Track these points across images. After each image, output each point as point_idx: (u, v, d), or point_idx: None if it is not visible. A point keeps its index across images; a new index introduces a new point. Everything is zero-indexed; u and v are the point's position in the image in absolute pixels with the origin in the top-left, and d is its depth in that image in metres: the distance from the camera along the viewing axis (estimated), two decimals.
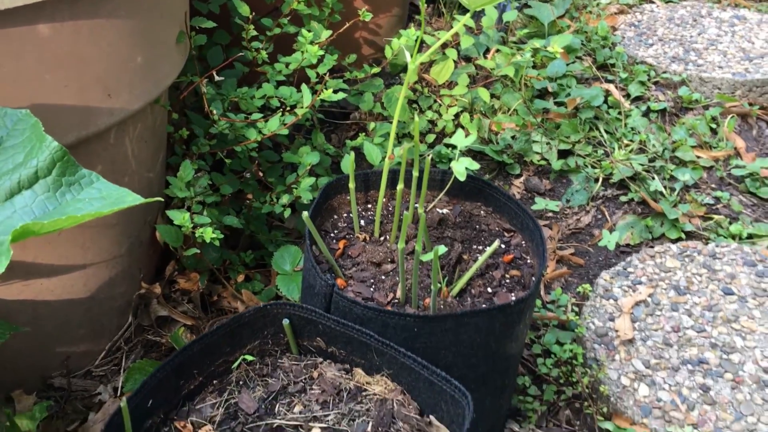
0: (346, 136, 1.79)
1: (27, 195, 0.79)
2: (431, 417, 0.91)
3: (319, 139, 1.58)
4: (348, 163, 1.14)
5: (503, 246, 1.16)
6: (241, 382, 0.96)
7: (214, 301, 1.41)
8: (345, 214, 1.20)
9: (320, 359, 0.99)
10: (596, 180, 1.75)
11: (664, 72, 2.04)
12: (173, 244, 1.28)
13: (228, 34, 1.52)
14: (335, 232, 1.16)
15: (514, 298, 1.03)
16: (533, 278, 1.08)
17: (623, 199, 1.71)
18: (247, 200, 1.46)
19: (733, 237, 1.61)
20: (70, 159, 0.79)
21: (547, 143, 1.80)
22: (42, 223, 0.69)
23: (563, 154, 1.80)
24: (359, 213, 1.20)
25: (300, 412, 0.92)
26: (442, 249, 0.98)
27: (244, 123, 1.35)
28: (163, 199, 1.00)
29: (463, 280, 1.06)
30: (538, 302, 1.47)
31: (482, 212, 1.22)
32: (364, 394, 0.94)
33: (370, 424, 0.90)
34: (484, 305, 1.04)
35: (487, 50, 2.01)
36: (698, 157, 1.81)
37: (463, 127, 1.80)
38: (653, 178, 1.73)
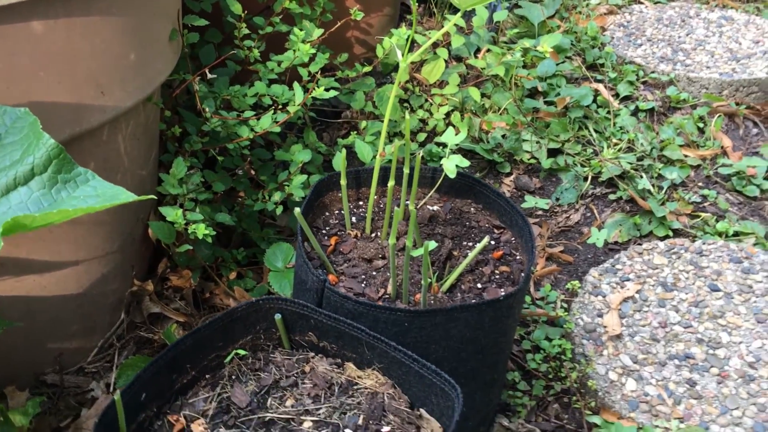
0: (338, 135, 1.80)
1: (23, 191, 0.79)
2: (422, 410, 0.93)
3: (311, 138, 1.59)
4: (340, 161, 1.15)
5: (493, 242, 1.17)
6: (233, 377, 0.97)
7: (207, 298, 1.42)
8: (336, 211, 1.21)
9: (312, 354, 1.00)
10: (585, 178, 1.77)
11: (653, 72, 2.06)
12: (166, 241, 1.29)
13: (220, 33, 1.53)
14: (327, 228, 1.17)
15: (503, 293, 1.05)
16: (522, 274, 1.09)
17: (612, 197, 1.73)
18: (239, 198, 1.47)
19: (720, 234, 1.63)
20: (66, 157, 0.80)
21: (537, 142, 1.82)
22: (33, 217, 0.70)
23: (553, 153, 1.82)
24: (351, 210, 1.21)
25: (292, 406, 0.93)
26: (432, 245, 0.99)
27: (236, 121, 1.36)
28: (156, 197, 1.01)
29: (453, 275, 1.07)
30: (528, 299, 1.48)
31: (472, 209, 1.23)
32: (355, 387, 0.95)
33: (362, 417, 0.91)
34: (473, 300, 1.06)
35: (478, 50, 2.02)
36: (686, 155, 1.83)
37: (454, 126, 1.82)
38: (641, 177, 1.75)
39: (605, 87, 2.01)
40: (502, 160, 1.79)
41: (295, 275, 1.13)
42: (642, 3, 2.48)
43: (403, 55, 1.06)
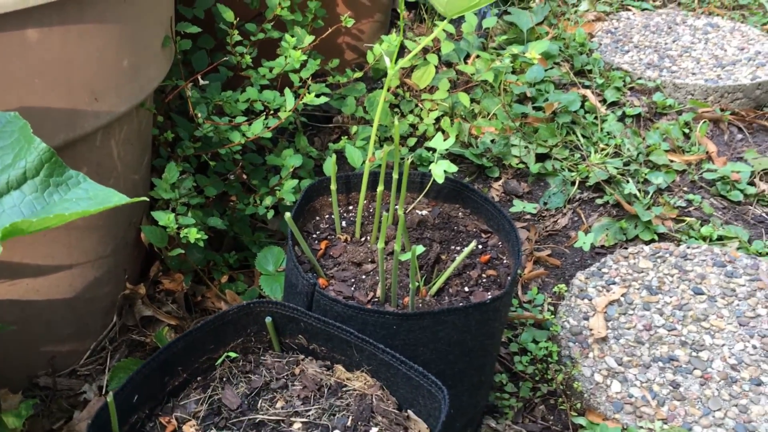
0: (329, 139, 1.82)
1: (15, 195, 0.81)
2: (409, 411, 0.95)
3: (302, 142, 1.61)
4: (330, 166, 1.17)
5: (480, 246, 1.19)
6: (224, 379, 0.99)
7: (198, 301, 1.43)
8: (327, 216, 1.23)
9: (302, 356, 1.02)
10: (573, 183, 1.79)
11: (640, 78, 2.09)
12: (158, 245, 1.30)
13: (212, 39, 1.55)
14: (317, 233, 1.19)
15: (489, 297, 1.07)
16: (509, 278, 1.11)
17: (599, 201, 1.76)
18: (230, 202, 1.49)
19: (704, 239, 1.66)
20: (58, 160, 0.82)
21: (526, 147, 1.84)
22: (30, 221, 0.71)
23: (541, 158, 1.84)
24: (341, 214, 1.23)
25: (282, 408, 0.95)
26: (420, 249, 1.01)
27: (228, 126, 1.37)
28: (148, 200, 1.03)
29: (441, 279, 1.09)
30: (515, 302, 1.51)
31: (460, 214, 1.25)
32: (344, 389, 0.97)
33: (350, 418, 0.93)
34: (461, 304, 1.08)
35: (468, 56, 2.05)
36: (671, 161, 1.86)
37: (443, 131, 1.84)
38: (628, 182, 1.77)
39: (593, 93, 2.04)
40: (491, 165, 1.82)
41: (285, 279, 1.15)
42: (629, 10, 2.51)
43: (392, 61, 1.08)
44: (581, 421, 1.27)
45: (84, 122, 1.06)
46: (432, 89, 1.93)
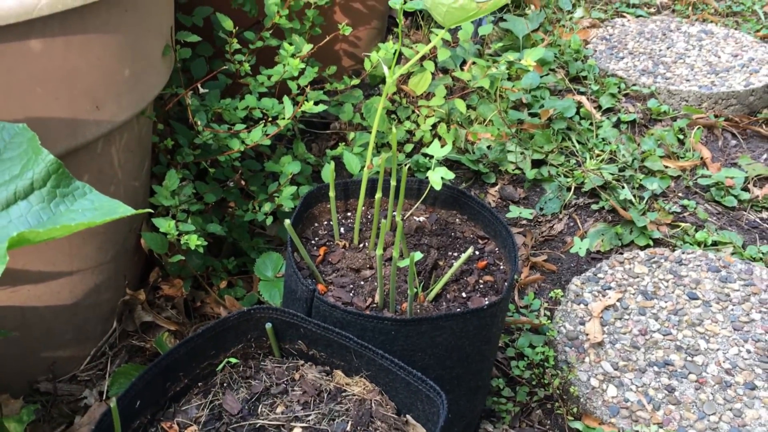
0: (327, 146, 1.83)
1: (23, 205, 0.82)
2: (408, 416, 0.96)
3: (300, 149, 1.62)
4: (328, 173, 1.18)
5: (477, 253, 1.21)
6: (225, 384, 1.00)
7: (198, 306, 1.44)
8: (325, 222, 1.24)
9: (302, 362, 1.03)
10: (568, 189, 1.81)
11: (634, 84, 2.11)
12: (158, 251, 1.31)
13: (211, 47, 1.56)
14: (316, 239, 1.20)
15: (487, 302, 1.08)
16: (506, 283, 1.13)
17: (594, 207, 1.77)
18: (229, 208, 1.50)
19: (699, 244, 1.68)
20: (64, 171, 0.83)
21: (522, 153, 1.86)
22: (38, 231, 0.72)
23: (537, 164, 1.86)
24: (339, 221, 1.24)
25: (282, 413, 0.96)
26: (418, 255, 1.03)
27: (227, 133, 1.39)
28: (152, 211, 1.04)
29: (439, 285, 1.11)
30: (512, 307, 1.52)
31: (457, 220, 1.27)
32: (343, 394, 0.98)
33: (350, 423, 0.94)
34: (458, 309, 1.09)
35: (464, 62, 2.07)
36: (666, 167, 1.88)
37: (440, 138, 1.86)
38: (623, 187, 1.79)
39: (588, 99, 2.05)
40: (488, 171, 1.83)
41: (285, 285, 1.16)
42: (624, 17, 2.54)
43: (390, 69, 1.10)
44: (578, 425, 1.28)
45: (86, 130, 1.07)
46: (429, 96, 1.95)
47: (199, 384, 1.00)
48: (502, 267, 1.18)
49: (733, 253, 1.65)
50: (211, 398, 0.98)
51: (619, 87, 2.11)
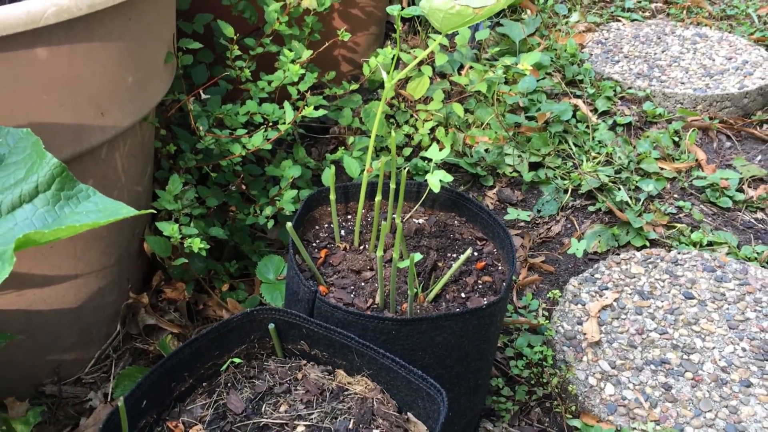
0: (326, 150, 1.85)
1: (28, 208, 0.84)
2: (409, 414, 0.98)
3: (300, 153, 1.64)
4: (329, 176, 1.20)
5: (476, 254, 1.23)
6: (229, 384, 1.02)
7: (200, 309, 1.46)
8: (326, 225, 1.26)
9: (304, 361, 1.05)
10: (566, 191, 1.83)
11: (630, 88, 2.14)
12: (162, 255, 1.33)
13: (211, 53, 1.58)
14: (317, 241, 1.22)
15: (485, 302, 1.10)
16: (504, 283, 1.14)
17: (591, 209, 1.80)
18: (230, 212, 1.52)
19: (694, 244, 1.70)
20: (68, 175, 0.85)
21: (519, 156, 1.88)
22: (43, 233, 0.74)
23: (534, 167, 1.88)
24: (339, 223, 1.26)
25: (285, 412, 0.98)
26: (417, 256, 1.05)
27: (229, 138, 1.41)
28: (155, 211, 1.06)
29: (438, 285, 1.13)
30: (511, 308, 1.54)
31: (456, 222, 1.29)
32: (345, 393, 1.00)
33: (352, 421, 0.96)
34: (457, 309, 1.11)
35: (461, 67, 2.09)
36: (662, 168, 1.90)
37: (438, 141, 1.88)
38: (619, 189, 1.81)
39: (584, 102, 2.08)
40: (485, 174, 1.86)
41: (286, 287, 1.18)
42: (619, 21, 2.56)
43: (388, 74, 1.12)
44: (576, 423, 1.30)
45: (90, 136, 1.09)
46: (426, 100, 1.97)
47: (204, 384, 1.01)
48: (500, 267, 1.20)
49: (728, 253, 1.67)
50: (216, 398, 1.00)
51: (614, 90, 2.13)
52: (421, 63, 1.92)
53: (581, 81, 2.17)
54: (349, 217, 1.29)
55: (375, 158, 1.75)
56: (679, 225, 1.75)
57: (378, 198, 1.15)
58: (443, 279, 1.13)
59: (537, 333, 1.47)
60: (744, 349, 1.40)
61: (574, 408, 1.33)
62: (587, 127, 1.99)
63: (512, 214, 1.77)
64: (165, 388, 0.97)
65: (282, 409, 0.98)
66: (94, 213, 0.85)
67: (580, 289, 1.54)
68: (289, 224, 1.07)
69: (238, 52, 1.47)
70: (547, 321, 1.47)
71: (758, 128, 2.09)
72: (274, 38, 1.56)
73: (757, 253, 1.67)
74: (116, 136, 1.15)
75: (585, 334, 1.43)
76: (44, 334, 1.24)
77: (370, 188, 1.26)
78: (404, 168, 1.17)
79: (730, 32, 2.48)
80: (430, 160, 1.80)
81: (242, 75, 1.49)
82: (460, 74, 2.03)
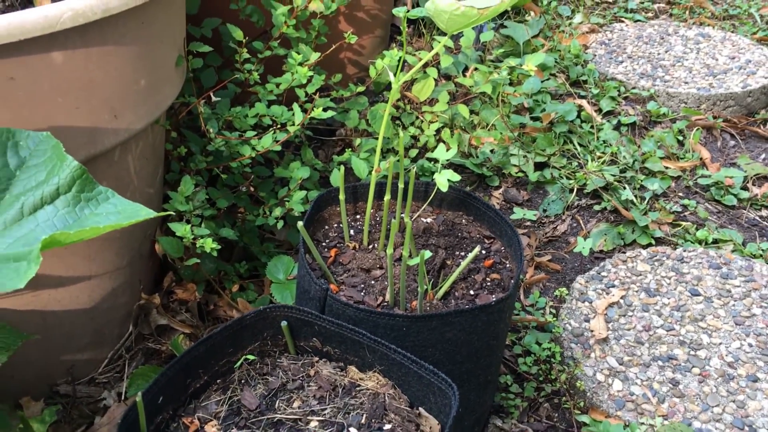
0: (333, 152, 1.87)
1: (49, 210, 0.86)
2: (420, 409, 0.99)
3: (308, 155, 1.66)
4: (338, 177, 1.22)
5: (484, 252, 1.24)
6: (243, 381, 1.03)
7: (211, 310, 1.48)
8: (335, 225, 1.27)
9: (316, 358, 1.06)
10: (571, 190, 1.84)
11: (634, 88, 2.15)
12: (174, 255, 1.35)
13: (220, 57, 1.60)
14: (327, 241, 1.24)
15: (494, 299, 1.11)
16: (512, 281, 1.16)
17: (597, 208, 1.81)
18: (239, 213, 1.54)
19: (700, 242, 1.71)
20: (88, 177, 0.87)
21: (524, 156, 1.89)
22: (68, 233, 0.76)
23: (539, 167, 1.90)
24: (349, 223, 1.28)
25: (299, 407, 0.99)
26: (427, 254, 1.06)
27: (239, 140, 1.43)
28: (174, 213, 1.08)
29: (447, 283, 1.14)
30: (519, 306, 1.55)
31: (464, 221, 1.30)
32: (357, 389, 1.01)
33: (364, 416, 0.97)
34: (466, 306, 1.12)
35: (466, 69, 2.11)
36: (666, 167, 1.91)
37: (444, 142, 1.90)
38: (624, 188, 1.83)
39: (588, 103, 2.09)
40: (491, 174, 1.87)
41: (297, 285, 1.20)
42: (623, 21, 2.58)
43: (395, 76, 1.14)
44: (584, 419, 1.31)
45: (104, 139, 1.11)
46: (432, 101, 1.99)
47: (218, 381, 1.03)
48: (508, 265, 1.22)
49: (733, 251, 1.69)
50: (230, 394, 1.01)
51: (618, 90, 2.15)
52: (426, 65, 1.94)
53: (585, 81, 2.19)
54: (358, 216, 1.30)
55: (382, 159, 1.77)
56: (684, 223, 1.77)
57: (387, 197, 1.17)
58: (452, 276, 1.15)
59: (545, 330, 1.48)
60: (750, 345, 1.41)
61: (582, 404, 1.34)
62: (592, 127, 2.01)
63: (518, 213, 1.78)
64: (180, 385, 0.99)
65: (295, 404, 1.00)
66: (113, 215, 0.87)
67: (586, 287, 1.55)
68: (300, 223, 1.08)
69: (247, 56, 1.49)
70: (555, 318, 1.49)
71: (762, 127, 2.10)
72: (282, 41, 1.58)
73: (762, 250, 1.69)
74: (129, 138, 1.17)
75: (592, 331, 1.44)
76: (59, 335, 1.26)
77: (378, 188, 1.28)
78: (411, 168, 1.19)
79: (732, 32, 2.49)
80: (436, 161, 1.81)
81: (251, 78, 1.50)
82: (464, 76, 2.05)
